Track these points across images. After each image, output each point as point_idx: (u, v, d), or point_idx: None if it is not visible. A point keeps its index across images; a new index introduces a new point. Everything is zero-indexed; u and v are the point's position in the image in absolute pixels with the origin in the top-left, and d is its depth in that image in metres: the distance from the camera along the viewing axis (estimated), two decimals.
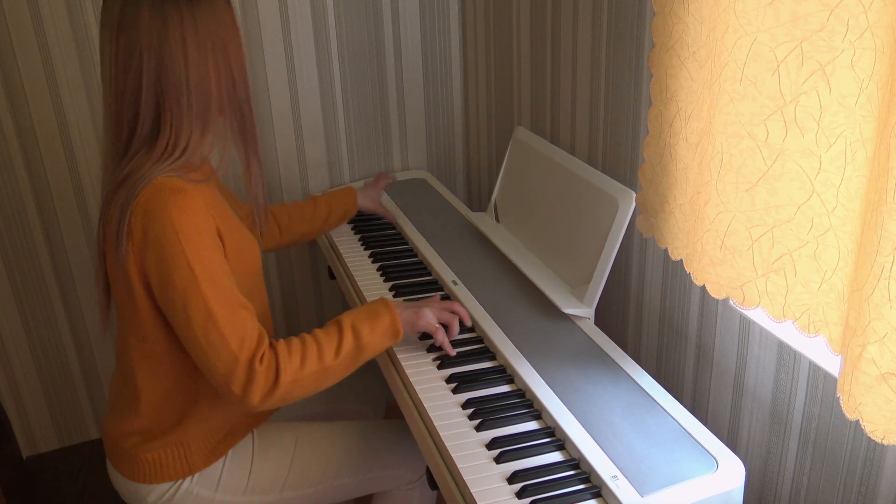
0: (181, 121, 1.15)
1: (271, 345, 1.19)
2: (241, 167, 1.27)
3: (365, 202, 1.82)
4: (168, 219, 1.11)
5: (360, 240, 1.83)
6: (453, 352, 1.33)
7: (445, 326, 1.35)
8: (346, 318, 1.26)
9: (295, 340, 1.21)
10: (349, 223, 1.92)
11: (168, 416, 1.27)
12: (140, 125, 1.15)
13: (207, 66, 1.15)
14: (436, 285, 1.59)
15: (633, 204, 1.35)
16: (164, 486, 1.28)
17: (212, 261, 1.14)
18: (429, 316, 1.32)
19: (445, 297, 1.53)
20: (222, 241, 1.19)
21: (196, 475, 1.30)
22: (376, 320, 1.26)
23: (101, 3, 1.78)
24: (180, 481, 1.29)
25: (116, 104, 1.16)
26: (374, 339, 1.25)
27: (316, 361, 1.20)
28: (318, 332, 1.24)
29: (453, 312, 1.36)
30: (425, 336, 1.39)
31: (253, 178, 1.28)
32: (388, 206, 1.93)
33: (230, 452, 1.33)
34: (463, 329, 1.41)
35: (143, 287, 1.16)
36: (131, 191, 1.13)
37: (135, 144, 1.16)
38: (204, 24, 1.14)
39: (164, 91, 1.13)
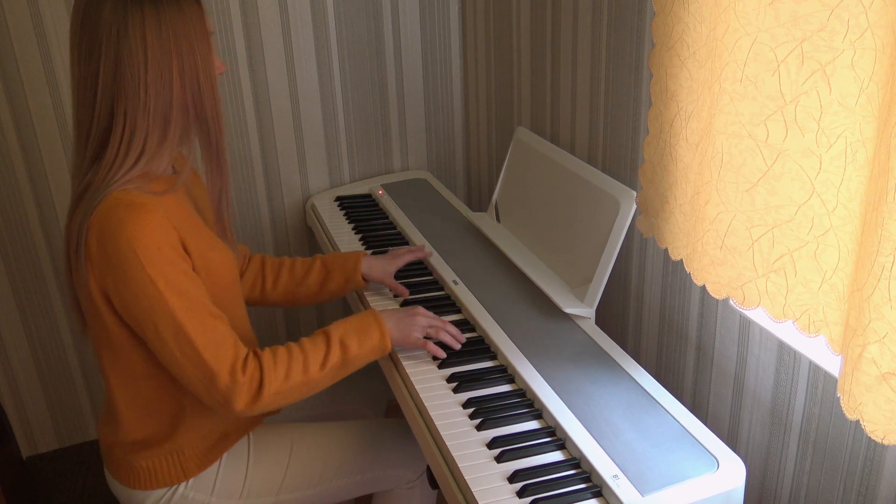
0: (135, 123, 1.10)
1: (256, 354, 1.17)
2: (206, 179, 1.21)
3: (372, 271, 1.53)
4: (124, 236, 1.07)
5: (360, 239, 1.83)
6: (443, 354, 1.32)
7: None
8: (335, 331, 1.24)
9: (281, 350, 1.19)
10: (350, 222, 1.92)
11: (155, 427, 1.25)
12: (94, 126, 1.11)
13: (170, 69, 1.10)
14: (436, 285, 1.59)
15: (634, 204, 1.35)
16: (160, 491, 1.28)
17: (176, 274, 1.11)
18: (418, 333, 1.31)
19: (444, 299, 1.53)
20: (189, 254, 1.15)
21: (191, 480, 1.29)
22: (365, 335, 1.25)
23: None
24: (175, 487, 1.28)
25: (78, 106, 1.12)
26: (362, 353, 1.24)
27: (301, 373, 1.18)
28: (305, 341, 1.22)
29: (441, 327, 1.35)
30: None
31: (215, 191, 1.22)
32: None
33: (225, 456, 1.32)
34: (464, 329, 1.41)
35: (106, 305, 1.14)
36: (88, 206, 1.10)
37: (90, 150, 1.12)
38: (169, 26, 1.09)
39: (120, 90, 1.09)
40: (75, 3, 1.11)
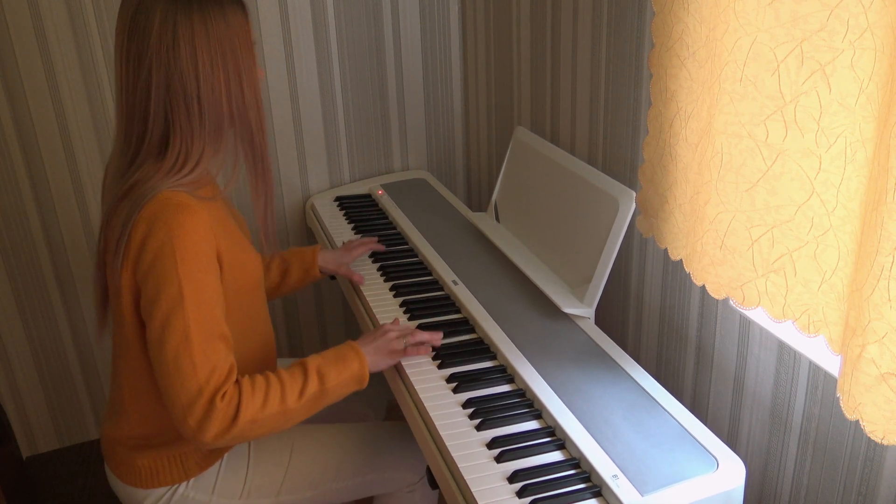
0: (192, 135, 1.13)
1: (237, 381, 1.15)
2: (250, 186, 1.23)
3: (327, 263, 1.62)
4: (168, 234, 1.09)
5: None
6: (429, 350, 1.33)
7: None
8: (313, 362, 1.22)
9: (259, 379, 1.17)
10: (350, 222, 1.92)
11: (159, 426, 1.25)
12: (149, 136, 1.13)
13: (219, 80, 1.12)
14: (436, 285, 1.59)
15: (634, 204, 1.35)
16: (160, 490, 1.28)
17: (204, 284, 1.12)
18: (396, 346, 1.30)
19: (444, 299, 1.53)
20: (221, 263, 1.16)
21: (192, 480, 1.29)
22: (344, 366, 1.23)
23: (100, 3, 1.79)
24: (176, 486, 1.28)
25: (127, 112, 1.14)
26: (340, 384, 1.22)
27: (278, 402, 1.16)
28: (282, 372, 1.20)
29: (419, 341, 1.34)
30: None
31: (260, 198, 1.23)
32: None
33: (226, 457, 1.33)
34: (464, 329, 1.41)
35: (131, 299, 1.14)
36: (136, 202, 1.11)
37: (142, 155, 1.14)
38: (216, 37, 1.11)
39: (174, 103, 1.11)
40: (122, 10, 1.12)
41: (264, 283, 1.52)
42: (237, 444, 1.17)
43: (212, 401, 1.10)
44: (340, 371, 1.22)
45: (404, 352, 1.31)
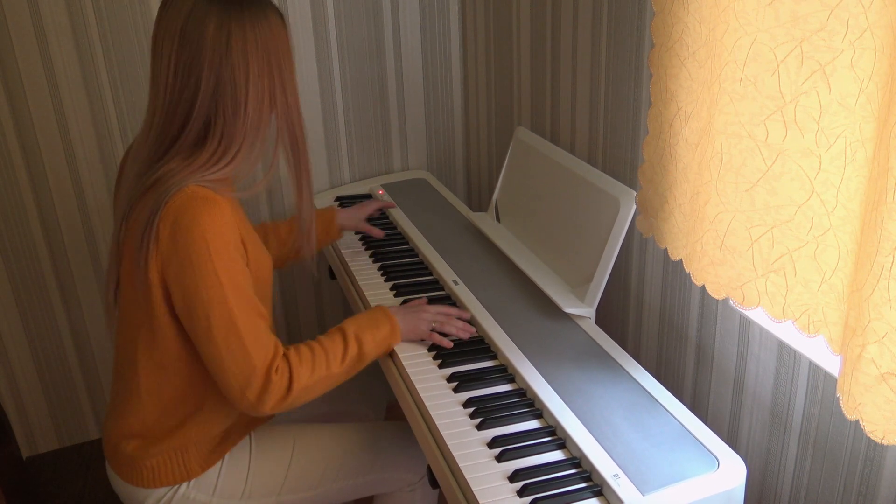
0: (233, 136, 1.17)
1: (284, 354, 1.21)
2: (293, 187, 1.28)
3: (345, 221, 1.71)
4: (199, 228, 1.11)
5: (360, 239, 1.83)
6: (450, 344, 1.35)
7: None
8: (350, 327, 1.29)
9: (303, 348, 1.24)
10: None
11: (169, 420, 1.27)
12: (185, 135, 1.16)
13: (264, 85, 1.17)
14: (436, 285, 1.59)
15: (634, 204, 1.36)
16: (162, 490, 1.29)
17: (237, 271, 1.16)
18: (424, 328, 1.36)
19: (444, 299, 1.53)
20: (246, 251, 1.21)
21: (193, 480, 1.30)
22: (377, 330, 1.31)
23: (100, 3, 1.78)
24: (177, 486, 1.29)
25: (166, 111, 1.16)
26: (375, 347, 1.30)
27: (324, 368, 1.23)
28: (323, 339, 1.27)
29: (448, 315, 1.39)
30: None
31: (304, 198, 1.29)
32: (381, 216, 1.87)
33: (227, 457, 1.33)
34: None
35: (161, 294, 1.17)
36: (161, 196, 1.13)
37: (173, 151, 1.17)
38: (263, 43, 1.15)
39: (220, 106, 1.15)
40: (170, 11, 1.14)
41: (286, 248, 1.62)
42: (295, 407, 1.25)
43: (267, 376, 1.17)
44: (374, 335, 1.31)
45: (431, 336, 1.36)
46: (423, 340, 1.38)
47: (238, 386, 1.17)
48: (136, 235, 1.14)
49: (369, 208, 1.76)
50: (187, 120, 1.15)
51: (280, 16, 1.20)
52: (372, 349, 1.30)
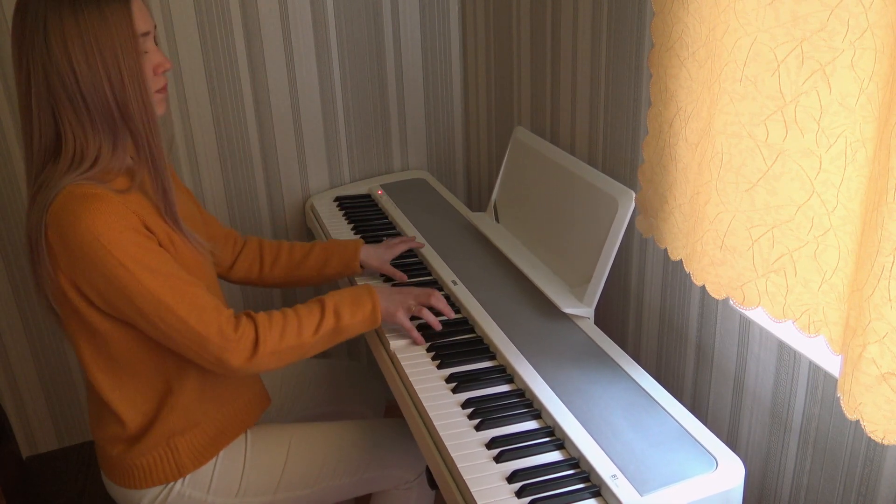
0: (84, 132, 1.12)
1: (250, 315, 1.22)
2: (148, 182, 1.19)
3: (370, 259, 1.59)
4: (83, 227, 1.08)
5: (360, 239, 1.82)
6: (423, 341, 1.36)
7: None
8: (330, 300, 1.29)
9: (276, 313, 1.24)
10: (349, 222, 1.92)
11: (144, 411, 1.26)
12: (38, 135, 1.12)
13: (98, 74, 1.09)
14: (436, 285, 1.59)
15: (633, 204, 1.35)
16: (155, 489, 1.28)
17: (143, 252, 1.12)
18: (401, 315, 1.35)
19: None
20: (153, 232, 1.16)
21: (187, 477, 1.29)
22: (358, 307, 1.30)
23: None
24: (171, 484, 1.28)
25: (22, 117, 1.13)
26: (354, 323, 1.29)
27: (295, 336, 1.23)
28: (300, 307, 1.27)
29: (431, 307, 1.39)
30: (421, 328, 1.39)
31: (159, 195, 1.19)
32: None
33: (222, 454, 1.33)
34: (463, 329, 1.41)
35: (80, 298, 1.15)
36: (43, 203, 1.10)
37: (39, 157, 1.13)
38: (89, 30, 1.08)
39: (58, 101, 1.10)
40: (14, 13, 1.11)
41: (299, 272, 1.58)
42: (263, 371, 1.24)
43: (220, 334, 1.17)
44: (354, 311, 1.29)
45: (410, 330, 1.36)
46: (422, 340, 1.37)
47: (196, 353, 1.17)
48: (33, 250, 1.12)
49: (397, 249, 1.63)
50: (32, 119, 1.11)
51: None
52: (349, 325, 1.28)
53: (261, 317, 1.22)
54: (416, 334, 1.36)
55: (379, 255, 1.60)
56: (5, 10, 1.70)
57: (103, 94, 1.11)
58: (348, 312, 1.28)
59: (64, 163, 1.12)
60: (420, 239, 1.74)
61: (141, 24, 1.13)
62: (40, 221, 1.10)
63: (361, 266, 1.58)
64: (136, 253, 1.12)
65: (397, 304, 1.35)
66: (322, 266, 1.57)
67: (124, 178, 1.18)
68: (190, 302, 1.15)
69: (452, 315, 1.42)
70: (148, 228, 1.16)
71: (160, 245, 1.17)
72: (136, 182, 1.18)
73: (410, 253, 1.74)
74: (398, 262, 1.68)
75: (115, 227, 1.10)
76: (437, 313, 1.41)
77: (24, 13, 1.08)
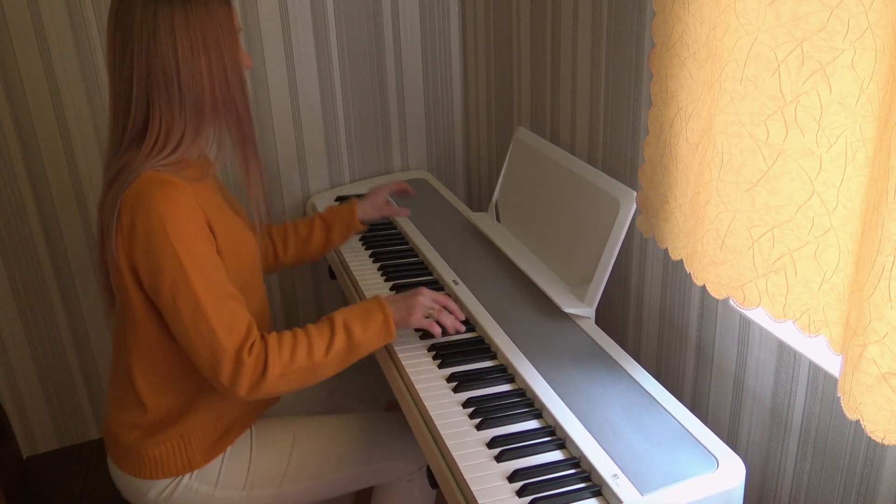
0: (172, 118, 1.16)
1: (262, 337, 1.21)
2: (240, 169, 1.26)
3: (366, 212, 1.71)
4: (154, 210, 1.12)
5: (360, 239, 1.83)
6: (439, 331, 1.34)
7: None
8: (339, 316, 1.27)
9: (287, 334, 1.23)
10: None
11: (168, 406, 1.27)
12: (131, 120, 1.17)
13: (200, 66, 1.15)
14: (436, 285, 1.59)
15: (634, 204, 1.36)
16: (165, 481, 1.29)
17: (200, 251, 1.15)
18: (419, 313, 1.33)
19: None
20: (214, 234, 1.20)
21: (196, 472, 1.30)
22: (369, 320, 1.27)
23: (100, 2, 1.78)
24: (180, 477, 1.29)
25: (114, 101, 1.18)
26: (367, 338, 1.27)
27: (305, 357, 1.21)
28: (310, 327, 1.25)
29: (443, 307, 1.37)
30: (425, 335, 1.39)
31: (252, 180, 1.27)
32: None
33: (229, 449, 1.34)
34: (464, 329, 1.41)
35: (133, 279, 1.18)
36: (121, 185, 1.15)
37: (126, 139, 1.18)
38: (197, 24, 1.14)
39: (155, 88, 1.15)
40: (111, 2, 1.17)
41: (309, 247, 1.63)
42: (274, 395, 1.23)
43: (238, 357, 1.16)
44: (366, 325, 1.27)
45: (429, 324, 1.34)
46: (424, 341, 1.37)
47: (209, 366, 1.17)
48: (104, 227, 1.16)
49: (384, 192, 1.76)
50: (129, 105, 1.16)
51: None
52: (363, 340, 1.26)
53: (271, 338, 1.21)
54: (437, 329, 1.34)
55: (374, 204, 1.73)
56: (5, 10, 1.71)
57: (200, 83, 1.16)
58: (359, 326, 1.26)
59: (147, 146, 1.17)
60: (421, 244, 1.74)
61: (237, 21, 1.20)
62: (116, 200, 1.14)
63: (362, 222, 1.69)
64: (194, 249, 1.15)
65: (409, 308, 1.32)
66: (327, 235, 1.65)
67: (197, 167, 1.24)
68: (226, 315, 1.16)
69: (460, 330, 1.38)
70: (211, 228, 1.19)
71: (218, 250, 1.20)
72: (209, 172, 1.26)
73: (411, 253, 1.74)
74: (399, 263, 1.69)
75: (182, 218, 1.14)
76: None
77: (131, 5, 1.13)
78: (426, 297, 1.34)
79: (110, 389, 1.33)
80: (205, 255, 1.16)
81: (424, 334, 1.39)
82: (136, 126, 1.17)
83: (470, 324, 1.44)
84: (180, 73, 1.14)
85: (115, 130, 1.19)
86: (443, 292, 1.43)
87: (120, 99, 1.17)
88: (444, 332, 1.36)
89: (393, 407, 1.69)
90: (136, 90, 1.15)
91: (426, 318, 1.34)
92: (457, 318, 1.37)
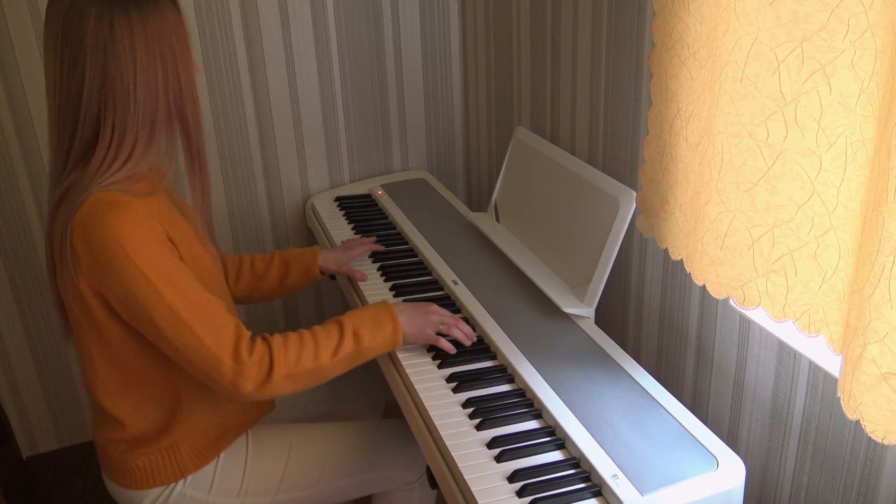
0: (124, 129, 1.12)
1: (265, 338, 1.19)
2: (187, 179, 1.22)
3: (328, 263, 1.60)
4: (109, 233, 1.08)
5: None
6: (453, 349, 1.33)
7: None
8: (349, 321, 1.26)
9: (293, 336, 1.21)
10: (350, 222, 1.92)
11: (151, 418, 1.25)
12: (78, 136, 1.12)
13: (156, 72, 1.12)
14: (436, 285, 1.59)
15: (634, 204, 1.35)
16: (157, 490, 1.28)
17: (166, 264, 1.12)
18: (431, 329, 1.32)
19: (443, 299, 1.53)
20: (175, 245, 1.17)
21: (188, 478, 1.29)
22: (378, 328, 1.26)
23: None
24: (173, 485, 1.28)
25: (59, 115, 1.13)
26: (375, 345, 1.26)
27: (312, 360, 1.20)
28: (318, 329, 1.24)
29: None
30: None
31: (198, 191, 1.23)
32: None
33: (223, 454, 1.32)
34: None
35: (101, 305, 1.15)
36: (70, 208, 1.10)
37: (73, 157, 1.13)
38: (153, 30, 1.10)
39: (108, 98, 1.10)
40: (52, 8, 1.11)
41: (262, 284, 1.56)
42: (279, 396, 1.22)
43: (236, 358, 1.14)
44: (375, 333, 1.26)
45: (437, 341, 1.32)
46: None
47: (207, 376, 1.15)
48: (57, 254, 1.12)
49: (355, 251, 1.65)
50: (77, 117, 1.11)
51: (173, 2, 1.15)
52: (370, 347, 1.25)
53: (276, 339, 1.19)
54: (448, 345, 1.32)
55: (337, 258, 1.61)
56: (5, 10, 1.71)
57: (155, 90, 1.12)
58: (368, 334, 1.25)
59: (95, 161, 1.12)
60: (421, 244, 1.74)
61: (187, 26, 1.17)
62: (66, 226, 1.10)
63: (322, 272, 1.60)
64: (159, 264, 1.11)
65: (422, 325, 1.31)
66: (283, 276, 1.57)
67: (148, 181, 1.20)
68: (209, 321, 1.14)
69: (470, 341, 1.36)
70: (171, 240, 1.16)
71: (181, 259, 1.17)
72: (161, 185, 1.21)
73: (411, 253, 1.74)
74: (399, 263, 1.69)
75: (140, 237, 1.10)
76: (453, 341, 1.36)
77: (82, 12, 1.08)
78: (437, 315, 1.33)
79: (92, 408, 1.32)
80: (171, 266, 1.13)
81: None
82: (83, 141, 1.12)
83: (469, 324, 1.44)
84: (137, 82, 1.10)
85: (60, 149, 1.14)
86: (459, 315, 1.41)
87: (65, 113, 1.11)
88: (458, 346, 1.34)
89: (393, 407, 1.69)
90: (86, 102, 1.10)
91: (437, 334, 1.33)
92: (469, 333, 1.36)
